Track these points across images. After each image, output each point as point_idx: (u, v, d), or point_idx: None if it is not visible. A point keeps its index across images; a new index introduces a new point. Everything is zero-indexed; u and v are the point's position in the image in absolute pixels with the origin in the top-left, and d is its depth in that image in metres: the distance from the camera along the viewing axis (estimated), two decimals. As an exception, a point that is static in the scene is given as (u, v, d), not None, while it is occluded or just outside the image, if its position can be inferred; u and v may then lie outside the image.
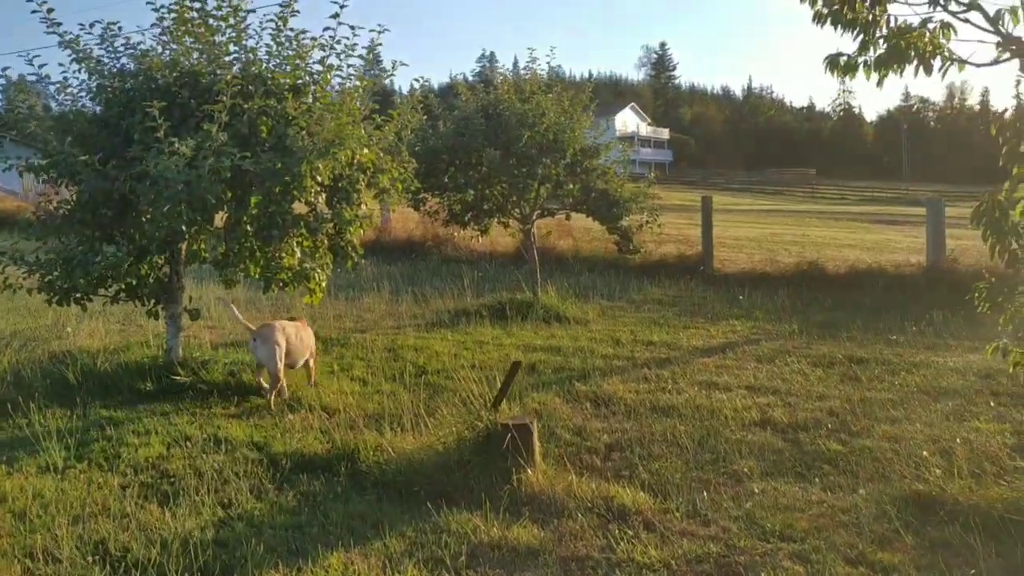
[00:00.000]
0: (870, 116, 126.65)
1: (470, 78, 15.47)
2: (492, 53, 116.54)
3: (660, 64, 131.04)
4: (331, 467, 5.89)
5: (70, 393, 7.15)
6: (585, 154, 12.66)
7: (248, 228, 7.62)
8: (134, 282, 7.72)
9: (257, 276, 7.78)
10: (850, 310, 12.60)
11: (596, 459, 6.25)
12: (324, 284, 8.06)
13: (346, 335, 10.47)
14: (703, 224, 16.74)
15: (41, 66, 7.83)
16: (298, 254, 7.82)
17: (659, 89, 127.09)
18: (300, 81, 8.17)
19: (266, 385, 7.54)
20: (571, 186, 12.74)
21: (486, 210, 13.32)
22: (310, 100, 8.20)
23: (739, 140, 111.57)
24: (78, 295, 7.71)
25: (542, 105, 12.32)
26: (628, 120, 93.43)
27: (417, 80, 9.02)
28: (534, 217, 13.22)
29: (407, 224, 19.83)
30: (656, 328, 11.53)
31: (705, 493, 5.55)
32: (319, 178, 7.54)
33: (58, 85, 8.09)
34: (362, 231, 8.22)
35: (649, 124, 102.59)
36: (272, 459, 6.03)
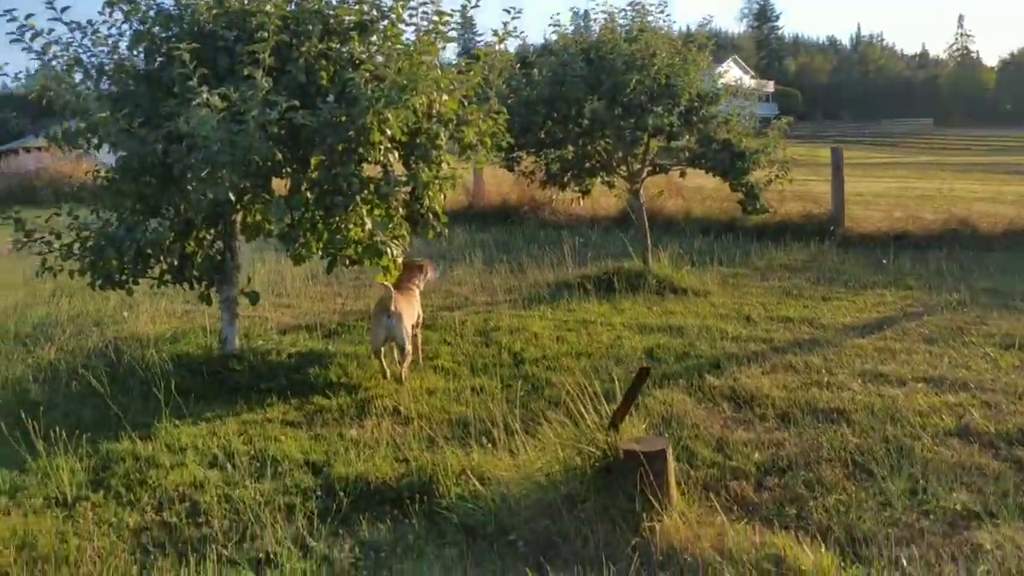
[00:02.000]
0: (990, 61, 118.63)
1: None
2: (586, 12, 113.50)
3: (762, 15, 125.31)
4: (402, 502, 4.57)
5: (106, 393, 6.05)
6: (703, 100, 10.94)
7: (308, 195, 6.34)
8: (177, 261, 6.54)
9: (319, 253, 6.51)
10: (1018, 275, 10.63)
11: (748, 488, 4.75)
12: (400, 260, 6.72)
13: (433, 314, 9.17)
14: (833, 179, 14.85)
15: (65, 8, 6.66)
16: (368, 225, 6.50)
17: (761, 41, 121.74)
18: (367, 17, 6.80)
19: (387, 367, 6.77)
20: (687, 137, 11.05)
21: (588, 168, 11.77)
22: (379, 41, 6.84)
23: (848, 91, 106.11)
24: (121, 277, 6.61)
25: (652, 44, 10.65)
26: (731, 74, 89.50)
27: (509, 11, 7.44)
28: (643, 175, 11.59)
29: (501, 187, 18.44)
30: (790, 301, 9.84)
31: (914, 549, 3.98)
32: (389, 132, 6.18)
33: (94, 37, 6.91)
34: (444, 195, 6.83)
35: (752, 77, 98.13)
36: (329, 487, 4.75)
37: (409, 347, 6.73)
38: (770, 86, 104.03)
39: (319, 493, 4.68)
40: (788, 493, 4.68)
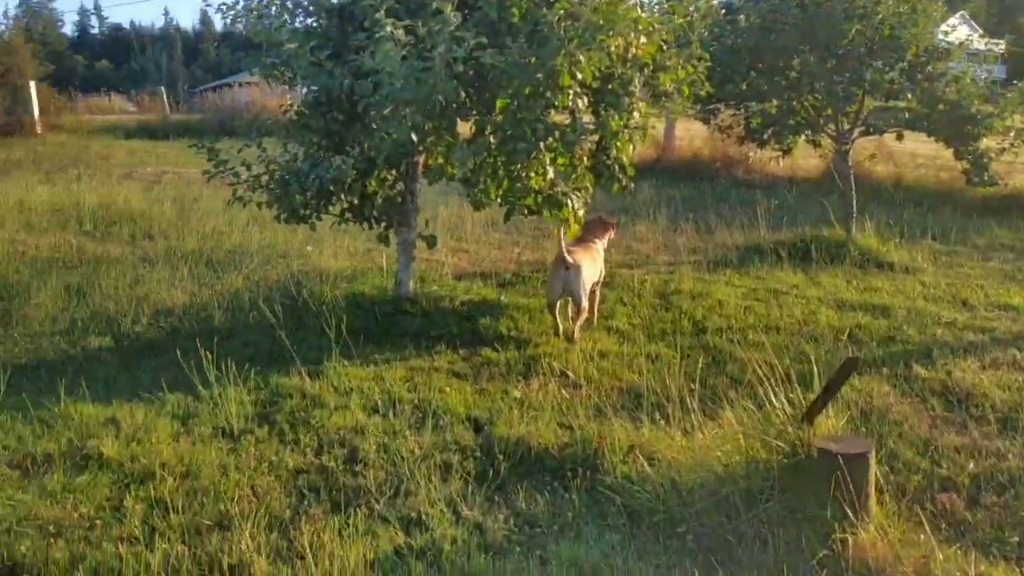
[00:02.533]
0: None
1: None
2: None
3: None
4: (563, 473, 4.27)
5: (281, 327, 6.09)
6: (931, 55, 9.77)
7: (491, 139, 6.06)
8: (357, 200, 6.47)
9: (497, 200, 6.24)
10: None
11: (959, 504, 4.10)
12: (581, 213, 6.34)
13: (611, 271, 8.76)
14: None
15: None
16: (550, 174, 6.15)
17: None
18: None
19: (560, 323, 6.50)
20: (909, 96, 9.92)
21: (792, 126, 10.86)
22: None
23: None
24: (305, 212, 6.63)
25: (876, -10, 9.57)
26: (958, 32, 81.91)
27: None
28: (854, 135, 10.56)
29: (693, 142, 17.61)
30: (1015, 287, 8.69)
31: None
32: (580, 76, 5.77)
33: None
34: (633, 146, 6.36)
35: (981, 36, 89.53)
36: (488, 448, 4.52)
37: (585, 303, 6.39)
38: (1000, 45, 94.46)
39: (478, 453, 4.45)
40: (1009, 515, 4.00)
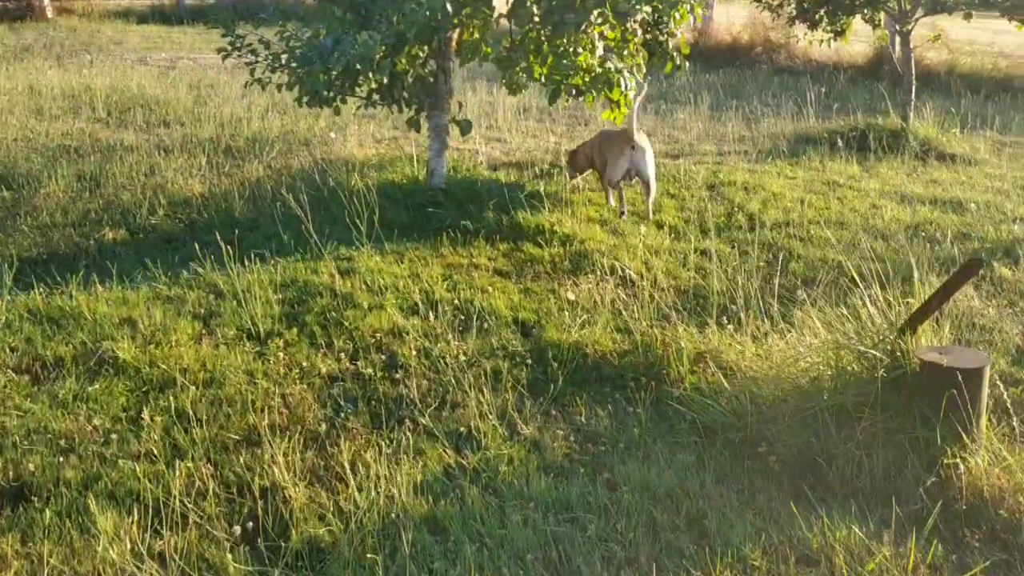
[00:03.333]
0: None
1: None
2: None
3: None
4: (625, 384, 3.86)
5: (307, 219, 5.64)
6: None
7: (535, 10, 5.43)
8: (387, 80, 5.88)
9: (542, 80, 5.64)
10: None
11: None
12: (632, 95, 5.74)
13: (655, 161, 8.19)
14: None
15: None
16: (600, 50, 5.53)
17: None
18: None
19: (614, 203, 6.51)
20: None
21: (847, 4, 10.03)
22: None
23: None
24: (328, 94, 6.07)
25: None
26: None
27: None
28: (917, 14, 9.72)
29: (732, 26, 16.61)
30: (1091, 179, 8.07)
31: None
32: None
33: None
34: (694, 19, 5.70)
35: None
36: (540, 354, 4.10)
37: (655, 183, 6.28)
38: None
39: (528, 360, 4.03)
40: None
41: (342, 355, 4.07)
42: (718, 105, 11.11)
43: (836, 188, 7.57)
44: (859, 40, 13.03)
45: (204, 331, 4.28)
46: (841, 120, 10.16)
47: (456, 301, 4.66)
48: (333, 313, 4.48)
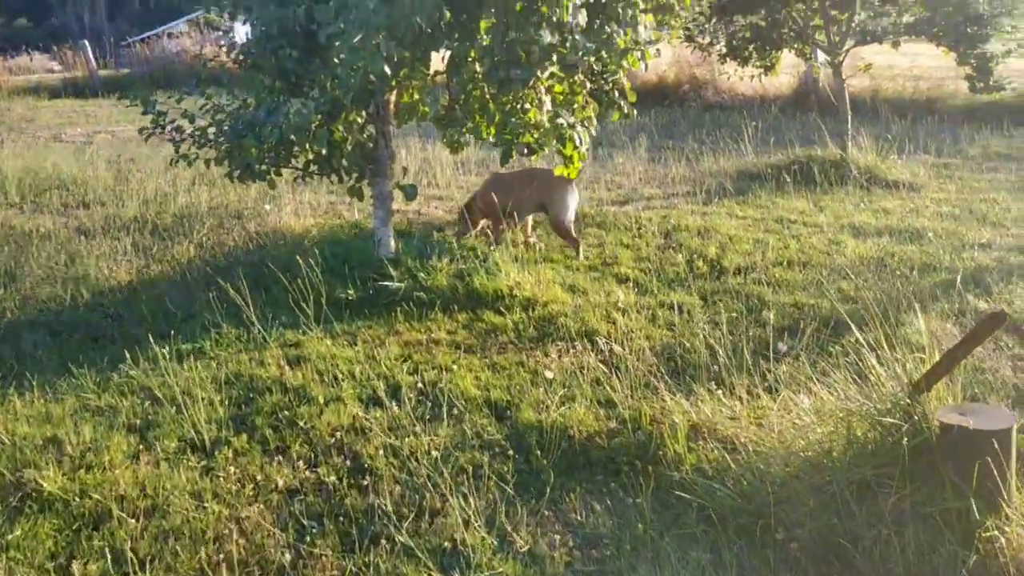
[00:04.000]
0: None
1: None
2: None
3: None
4: (618, 468, 3.51)
5: (247, 304, 5.21)
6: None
7: (477, 68, 5.16)
8: (325, 149, 5.52)
9: (491, 139, 5.36)
10: None
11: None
12: (585, 149, 5.49)
13: (601, 210, 7.98)
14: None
15: None
16: (548, 104, 5.28)
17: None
18: None
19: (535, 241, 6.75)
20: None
21: (776, 39, 10.08)
22: None
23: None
24: (261, 167, 5.69)
25: None
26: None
27: None
28: (847, 46, 9.78)
29: (657, 66, 16.67)
30: (1024, 197, 8.12)
31: None
32: (579, -16, 4.88)
33: None
34: (644, 66, 5.47)
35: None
36: (520, 440, 3.74)
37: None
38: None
39: (509, 451, 3.66)
40: None
41: (300, 462, 3.64)
42: (655, 146, 11.01)
43: (789, 225, 7.43)
44: (784, 73, 13.14)
45: (141, 446, 3.80)
46: (780, 154, 10.13)
47: (420, 384, 4.29)
48: (285, 412, 4.05)
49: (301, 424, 3.94)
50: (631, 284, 5.90)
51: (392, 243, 6.01)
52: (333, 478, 3.49)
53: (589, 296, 5.59)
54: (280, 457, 3.69)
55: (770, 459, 3.27)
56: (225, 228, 7.51)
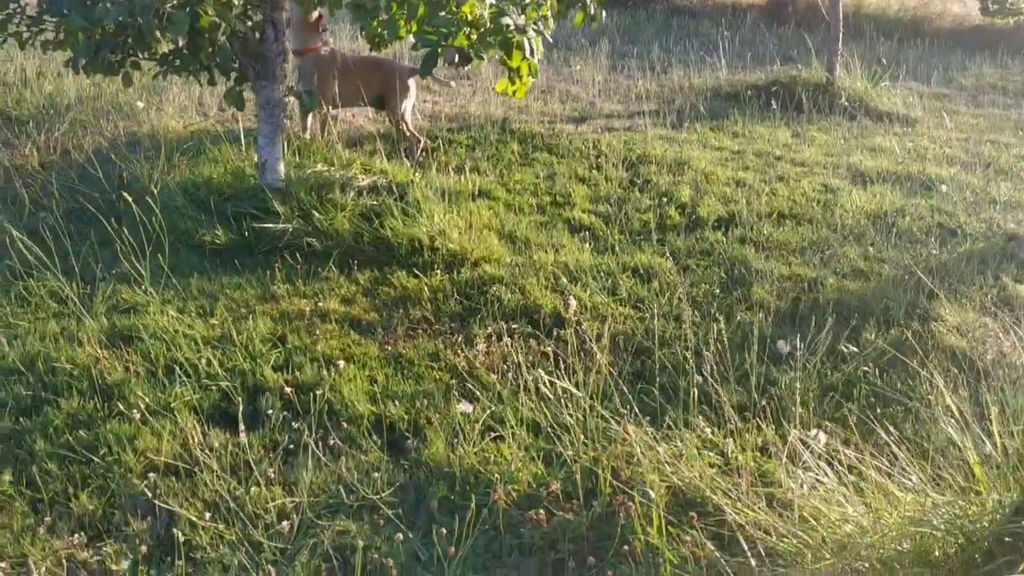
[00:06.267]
0: None
1: None
2: None
3: None
4: (561, 564, 2.36)
5: (72, 240, 3.85)
6: None
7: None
8: (183, 39, 4.07)
9: (411, 38, 3.99)
10: None
11: None
12: (536, 62, 4.13)
13: (554, 128, 6.65)
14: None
15: None
16: (491, -3, 3.90)
17: None
18: None
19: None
20: None
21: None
22: None
23: None
24: (114, 57, 4.22)
25: None
26: None
27: None
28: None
29: (622, -39, 15.10)
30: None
31: None
32: None
33: None
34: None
35: None
36: (419, 497, 2.56)
37: None
38: None
39: (401, 520, 2.46)
40: None
41: (82, 532, 2.39)
42: (617, 53, 9.62)
43: (774, 163, 6.24)
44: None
45: None
46: (758, 71, 8.91)
47: (289, 389, 3.03)
48: (83, 431, 2.77)
49: (100, 455, 2.67)
50: (587, 235, 4.67)
51: (281, 168, 4.62)
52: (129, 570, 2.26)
53: (532, 251, 4.36)
54: (57, 519, 2.43)
55: (789, 565, 2.14)
56: (91, 128, 6.01)
